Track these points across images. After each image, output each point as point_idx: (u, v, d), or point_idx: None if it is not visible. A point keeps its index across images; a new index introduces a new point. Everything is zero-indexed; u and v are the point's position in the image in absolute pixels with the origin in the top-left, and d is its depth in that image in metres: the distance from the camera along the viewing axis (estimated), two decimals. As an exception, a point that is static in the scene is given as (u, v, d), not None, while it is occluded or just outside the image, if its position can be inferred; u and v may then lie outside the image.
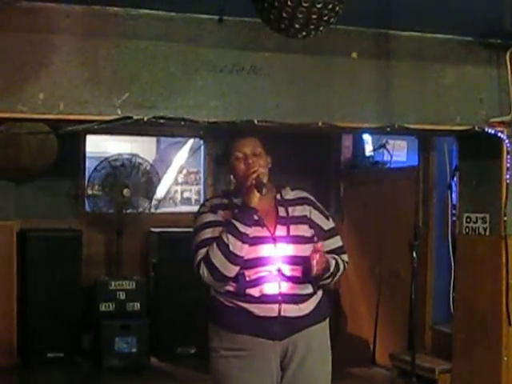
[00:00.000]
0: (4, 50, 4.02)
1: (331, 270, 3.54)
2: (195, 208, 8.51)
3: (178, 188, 8.79)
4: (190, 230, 8.06)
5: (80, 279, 7.36)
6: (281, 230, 3.51)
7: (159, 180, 8.07)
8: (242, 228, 3.41)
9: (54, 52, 4.08)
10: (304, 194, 3.69)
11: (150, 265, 7.77)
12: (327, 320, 3.64)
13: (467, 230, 5.50)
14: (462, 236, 5.60)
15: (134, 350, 7.17)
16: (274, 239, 3.49)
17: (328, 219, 3.70)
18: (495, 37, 5.05)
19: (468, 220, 5.49)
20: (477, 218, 5.43)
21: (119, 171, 7.65)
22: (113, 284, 7.34)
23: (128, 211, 7.68)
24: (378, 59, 4.82)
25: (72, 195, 7.86)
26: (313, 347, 3.53)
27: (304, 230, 3.55)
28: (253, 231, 3.45)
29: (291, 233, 3.51)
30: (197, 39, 4.37)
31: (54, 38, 4.09)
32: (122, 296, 7.34)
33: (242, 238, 3.40)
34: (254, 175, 3.45)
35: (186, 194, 8.79)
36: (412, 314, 5.48)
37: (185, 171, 8.77)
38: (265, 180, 3.47)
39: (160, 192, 8.25)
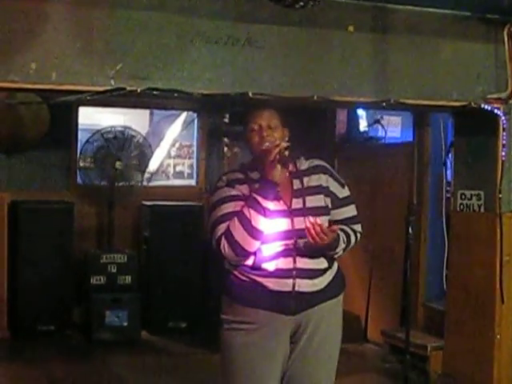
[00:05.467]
0: (-5, 18, 3.95)
1: (340, 243, 3.49)
2: (188, 182, 8.63)
3: (171, 161, 8.74)
4: (183, 203, 8.03)
5: (71, 252, 7.30)
6: (297, 203, 3.47)
7: (152, 153, 8.01)
8: (263, 202, 3.35)
9: (46, 21, 4.01)
10: (319, 163, 3.62)
11: (142, 238, 7.74)
12: (341, 295, 3.61)
13: (461, 206, 5.48)
14: (456, 213, 5.59)
15: (124, 324, 7.14)
16: (291, 213, 3.45)
17: (343, 187, 3.63)
18: (493, 12, 5.02)
19: (462, 197, 5.47)
20: (471, 194, 5.41)
21: (111, 143, 7.59)
22: (104, 257, 7.30)
23: (120, 184, 7.63)
24: (374, 33, 4.78)
25: (64, 167, 7.81)
26: (325, 322, 3.50)
27: (320, 200, 3.50)
28: (272, 205, 3.41)
29: (307, 205, 3.47)
30: (192, 10, 4.31)
31: (47, 7, 4.02)
32: (114, 269, 7.29)
33: (264, 212, 3.35)
34: (277, 149, 3.35)
35: (178, 168, 8.75)
36: (406, 290, 5.46)
37: (178, 144, 8.72)
38: (286, 153, 3.38)
39: (152, 165, 8.20)
